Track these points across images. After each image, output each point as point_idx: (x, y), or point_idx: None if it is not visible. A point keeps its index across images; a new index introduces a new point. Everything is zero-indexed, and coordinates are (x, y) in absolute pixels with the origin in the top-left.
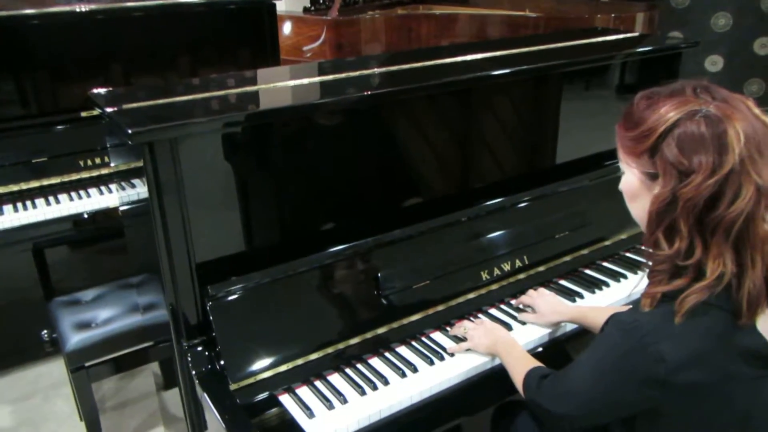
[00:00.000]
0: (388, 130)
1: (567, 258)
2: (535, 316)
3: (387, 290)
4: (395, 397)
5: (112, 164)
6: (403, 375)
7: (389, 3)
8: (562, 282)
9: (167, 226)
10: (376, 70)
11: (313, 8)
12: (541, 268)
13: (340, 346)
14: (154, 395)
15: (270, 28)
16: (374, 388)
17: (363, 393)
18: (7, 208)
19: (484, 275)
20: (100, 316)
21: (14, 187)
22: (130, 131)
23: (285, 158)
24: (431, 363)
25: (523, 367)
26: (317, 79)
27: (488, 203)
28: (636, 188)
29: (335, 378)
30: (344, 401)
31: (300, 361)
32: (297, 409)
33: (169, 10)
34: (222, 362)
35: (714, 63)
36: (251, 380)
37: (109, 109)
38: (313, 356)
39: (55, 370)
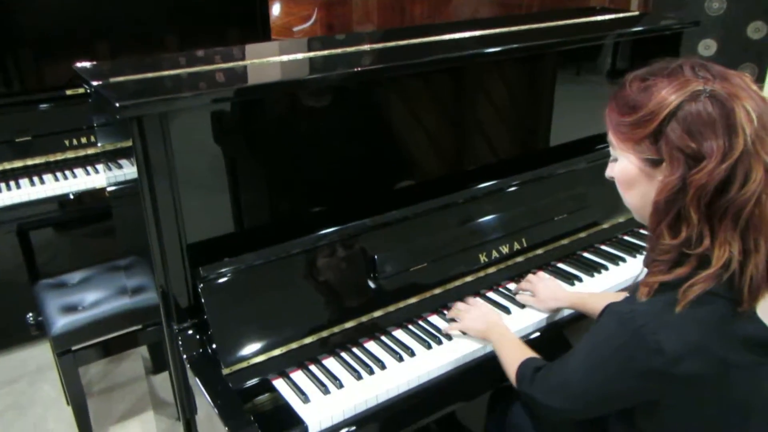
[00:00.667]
0: (382, 108)
1: (565, 241)
2: (533, 300)
3: (383, 273)
4: (392, 382)
5: (99, 144)
6: (400, 359)
7: None
8: (561, 265)
9: (157, 205)
10: (370, 46)
11: None
12: (539, 251)
13: (336, 329)
14: (143, 379)
15: (260, 8)
16: (370, 372)
17: (359, 377)
18: None
19: (482, 258)
20: (87, 299)
21: None
22: (118, 105)
23: (277, 136)
24: (428, 347)
25: (516, 357)
26: (311, 54)
27: (486, 184)
28: (633, 176)
29: (330, 362)
30: (340, 386)
31: (294, 345)
32: (291, 394)
33: None
34: (214, 346)
35: (707, 47)
36: (244, 364)
37: (95, 83)
38: (308, 340)
39: (41, 353)
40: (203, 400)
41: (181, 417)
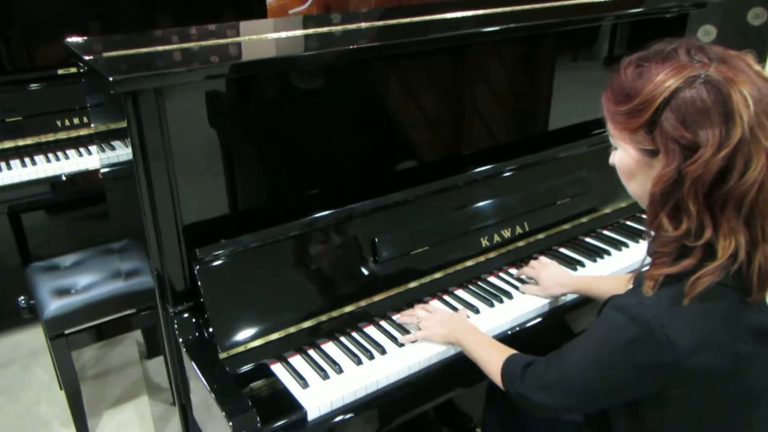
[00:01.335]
0: (381, 89)
1: (566, 226)
2: (537, 288)
3: (384, 256)
4: (393, 367)
5: (92, 125)
6: (401, 344)
7: None
8: (563, 250)
9: (152, 186)
10: (368, 24)
11: None
12: (541, 236)
13: (335, 313)
14: (137, 364)
15: None
16: (371, 357)
17: (359, 362)
18: None
19: (483, 242)
20: (80, 283)
21: None
22: (111, 79)
23: (275, 116)
24: None
25: (494, 356)
26: (308, 30)
27: (487, 167)
28: (632, 166)
29: (330, 347)
30: (340, 371)
31: (293, 329)
32: (290, 379)
33: None
34: (210, 329)
35: (707, 33)
36: (241, 348)
37: (87, 57)
38: (307, 324)
39: (34, 337)
40: (199, 384)
41: (176, 402)
